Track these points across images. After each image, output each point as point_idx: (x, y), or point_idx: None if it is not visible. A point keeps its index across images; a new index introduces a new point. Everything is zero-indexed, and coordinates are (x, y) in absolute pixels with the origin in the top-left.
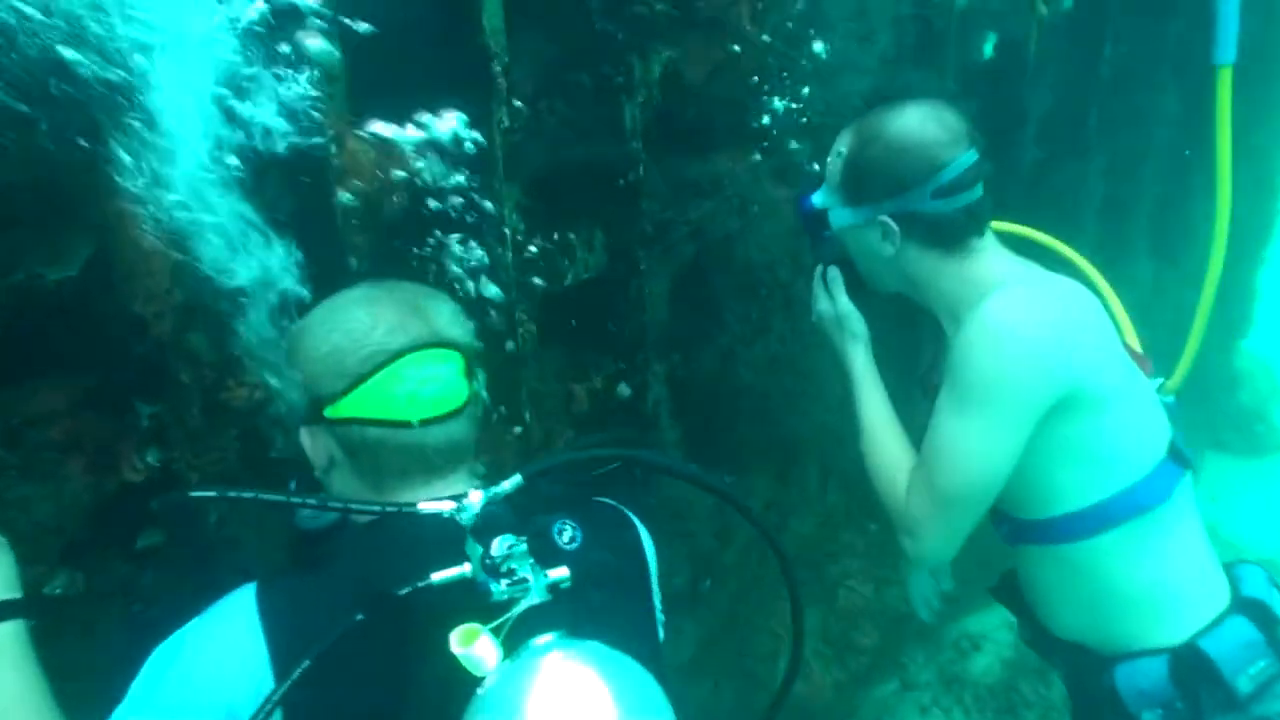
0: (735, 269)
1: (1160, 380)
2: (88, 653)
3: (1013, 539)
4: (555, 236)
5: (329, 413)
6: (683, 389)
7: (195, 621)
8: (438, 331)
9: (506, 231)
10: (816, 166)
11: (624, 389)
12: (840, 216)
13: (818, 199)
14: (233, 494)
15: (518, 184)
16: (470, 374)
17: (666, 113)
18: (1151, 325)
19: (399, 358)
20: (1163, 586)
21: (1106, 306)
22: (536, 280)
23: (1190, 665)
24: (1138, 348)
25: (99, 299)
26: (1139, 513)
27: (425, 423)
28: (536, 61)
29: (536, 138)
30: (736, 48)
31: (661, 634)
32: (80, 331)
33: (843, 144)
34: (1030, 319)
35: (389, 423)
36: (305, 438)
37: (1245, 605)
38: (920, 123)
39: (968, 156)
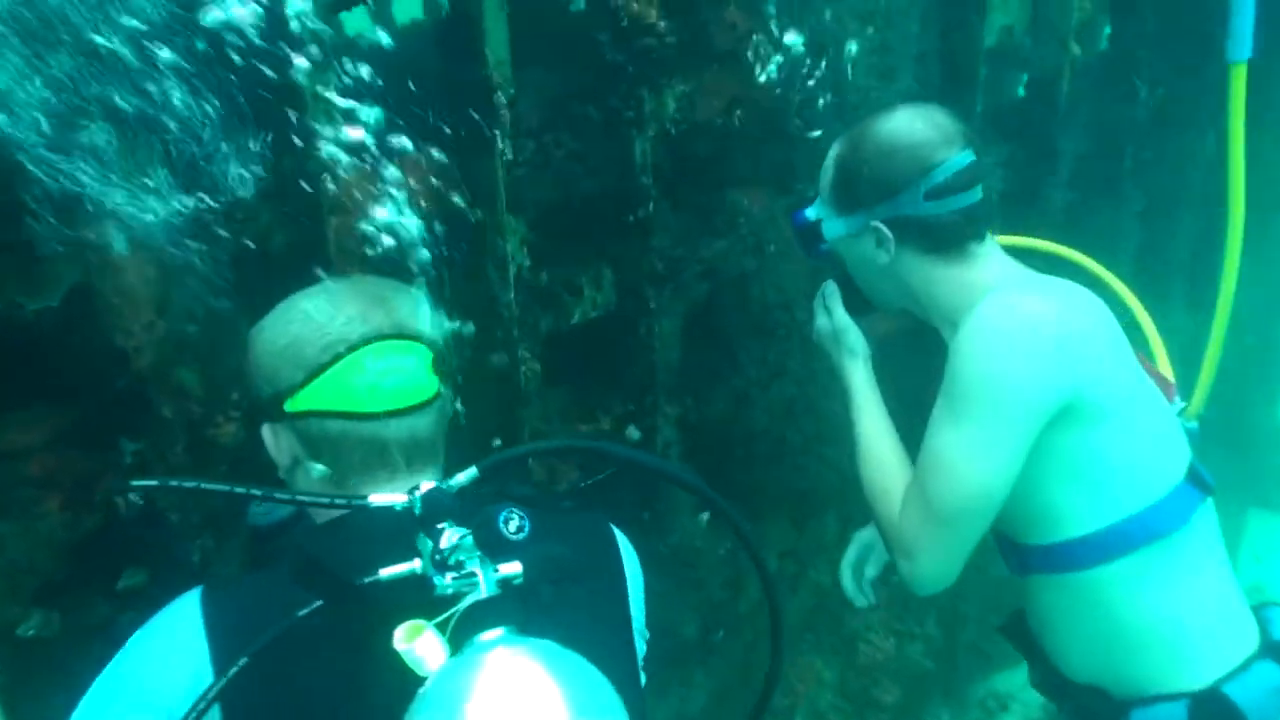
0: (750, 309)
1: (1181, 405)
2: (64, 697)
3: (1019, 568)
4: (562, 273)
5: (289, 406)
6: (694, 432)
7: (141, 628)
8: (401, 322)
9: (510, 267)
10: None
11: (633, 431)
12: (833, 227)
13: (811, 212)
14: (174, 483)
15: (523, 218)
16: (438, 370)
17: (680, 148)
18: (1192, 372)
19: (359, 347)
20: (1181, 623)
21: (1139, 327)
22: (541, 317)
23: (1213, 712)
24: (1169, 373)
25: (81, 330)
26: (1152, 539)
27: (386, 415)
28: (543, 94)
29: (543, 171)
30: (753, 81)
31: (642, 647)
32: (60, 364)
33: (833, 152)
34: (1027, 321)
35: (348, 414)
36: (268, 435)
37: (1275, 649)
38: (909, 123)
39: (962, 157)
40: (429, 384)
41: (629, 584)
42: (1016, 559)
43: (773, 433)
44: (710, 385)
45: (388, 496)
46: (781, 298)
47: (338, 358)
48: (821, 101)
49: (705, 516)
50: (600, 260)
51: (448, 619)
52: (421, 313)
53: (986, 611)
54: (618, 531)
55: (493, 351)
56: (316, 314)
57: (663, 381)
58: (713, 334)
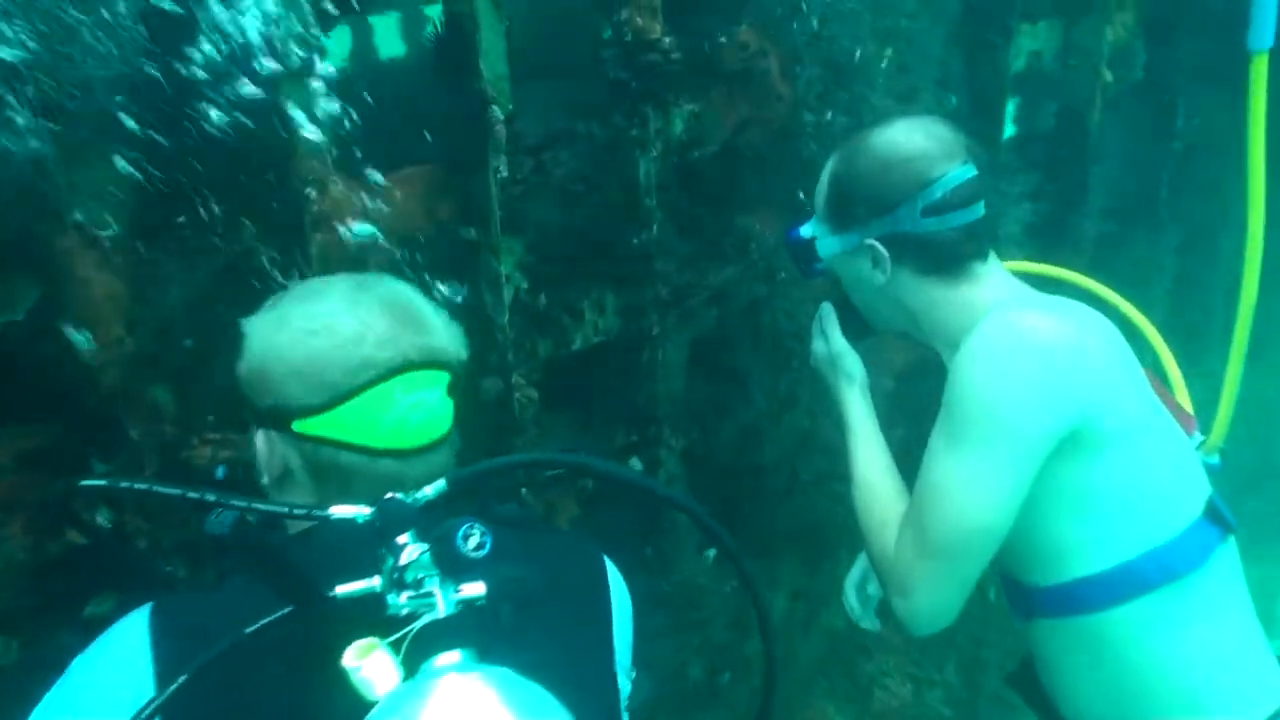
0: (761, 338)
1: (1200, 439)
2: None
3: (1024, 611)
4: (562, 296)
5: (299, 427)
6: (700, 465)
7: (89, 646)
8: (430, 346)
9: (506, 289)
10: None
11: (635, 464)
12: (828, 245)
13: (806, 229)
14: (125, 484)
15: (520, 240)
16: (453, 393)
17: (688, 169)
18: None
19: (389, 378)
20: (1198, 672)
21: (1160, 361)
22: (540, 342)
23: None
24: (1188, 406)
25: (46, 347)
26: (1167, 579)
27: (410, 453)
28: (544, 110)
29: (542, 190)
30: (765, 102)
31: (627, 686)
32: (26, 381)
33: (828, 166)
34: (1029, 340)
35: (370, 450)
36: (260, 441)
37: None
38: (906, 136)
39: (962, 171)
40: (448, 414)
41: (614, 615)
42: (1020, 600)
43: (783, 467)
44: (718, 416)
45: (349, 509)
46: (793, 326)
47: (365, 386)
48: (835, 123)
49: (711, 554)
50: (603, 283)
51: (401, 639)
52: (448, 329)
53: (1008, 657)
54: (607, 559)
55: (486, 377)
56: (340, 328)
57: (667, 412)
58: (721, 363)
